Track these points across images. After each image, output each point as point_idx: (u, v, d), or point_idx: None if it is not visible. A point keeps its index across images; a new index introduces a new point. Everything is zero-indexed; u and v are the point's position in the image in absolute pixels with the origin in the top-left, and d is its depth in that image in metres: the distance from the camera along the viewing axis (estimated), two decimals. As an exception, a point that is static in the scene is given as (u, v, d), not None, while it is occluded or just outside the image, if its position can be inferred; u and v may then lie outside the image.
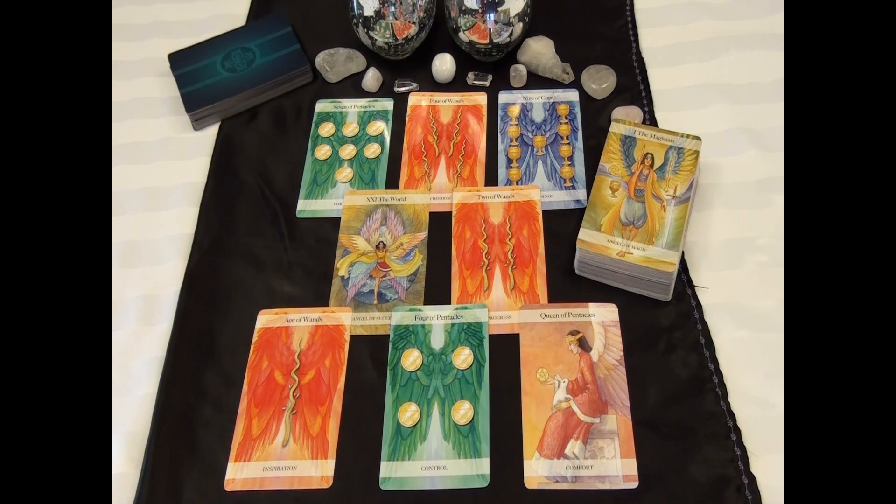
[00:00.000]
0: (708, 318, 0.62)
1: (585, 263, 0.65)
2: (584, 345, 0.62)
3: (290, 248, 0.69)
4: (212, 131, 0.79)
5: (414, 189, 0.73)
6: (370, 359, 0.62)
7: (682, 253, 0.65)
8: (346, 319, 0.65)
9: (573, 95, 0.78)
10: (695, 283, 0.64)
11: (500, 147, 0.76)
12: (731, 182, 0.70)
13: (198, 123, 0.79)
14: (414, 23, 0.78)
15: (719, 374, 0.59)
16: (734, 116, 0.75)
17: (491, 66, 0.81)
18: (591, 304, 0.64)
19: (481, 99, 0.79)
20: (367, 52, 0.83)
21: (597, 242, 0.63)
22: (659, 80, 0.79)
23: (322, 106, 0.80)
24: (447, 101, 0.79)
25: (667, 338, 0.62)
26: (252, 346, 0.64)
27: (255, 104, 0.80)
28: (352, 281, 0.67)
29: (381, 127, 0.78)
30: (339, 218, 0.71)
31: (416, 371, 0.61)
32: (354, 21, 0.79)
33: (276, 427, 0.59)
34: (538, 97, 0.79)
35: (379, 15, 0.78)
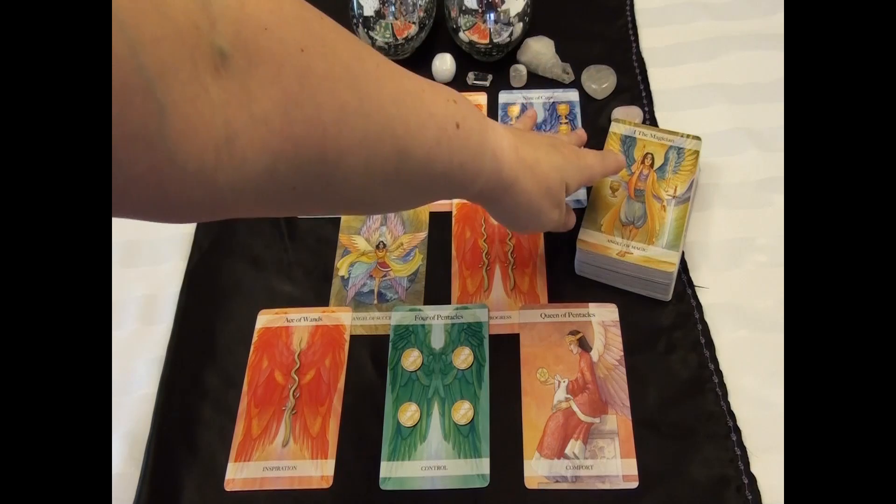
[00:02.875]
0: (708, 318, 0.62)
1: (585, 263, 0.65)
2: (584, 345, 0.62)
3: (290, 248, 0.69)
4: (212, 131, 0.79)
5: (414, 189, 0.73)
6: (370, 359, 0.63)
7: (683, 253, 0.65)
8: (346, 319, 0.65)
9: (573, 95, 0.78)
10: (695, 283, 0.64)
11: (500, 147, 0.75)
12: (731, 182, 0.70)
13: (198, 123, 0.79)
14: (414, 23, 0.78)
15: (719, 374, 0.59)
16: (734, 116, 0.75)
17: (491, 66, 0.81)
18: (591, 304, 0.64)
19: (481, 99, 0.79)
20: (367, 52, 0.83)
21: (597, 242, 0.63)
22: (659, 80, 0.79)
23: (322, 106, 0.80)
24: (447, 101, 0.79)
25: (667, 338, 0.62)
26: (252, 346, 0.64)
27: (255, 104, 0.80)
28: (352, 281, 0.67)
29: (381, 127, 0.78)
30: (340, 218, 0.71)
31: (416, 371, 0.61)
32: (354, 21, 0.79)
33: (276, 427, 0.59)
34: (538, 97, 0.79)
35: (379, 15, 0.78)
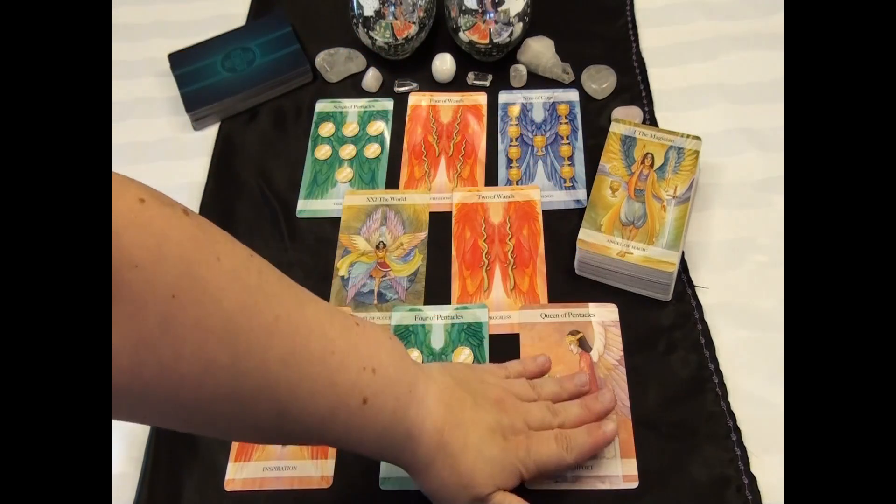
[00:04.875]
0: (708, 318, 0.62)
1: (585, 263, 0.65)
2: (584, 345, 0.62)
3: (290, 248, 0.69)
4: (212, 131, 0.79)
5: (414, 189, 0.73)
6: (370, 359, 0.62)
7: (683, 253, 0.65)
8: (346, 319, 0.65)
9: (573, 95, 0.78)
10: (695, 283, 0.64)
11: (500, 147, 0.76)
12: (731, 182, 0.70)
13: (198, 123, 0.79)
14: (414, 23, 0.79)
15: (719, 374, 0.59)
16: (734, 116, 0.75)
17: (491, 66, 0.81)
18: (591, 304, 0.64)
19: (481, 99, 0.79)
20: (367, 52, 0.83)
21: (597, 242, 0.63)
22: (659, 80, 0.79)
23: (322, 106, 0.80)
24: (447, 101, 0.79)
25: (667, 338, 0.62)
26: (252, 346, 0.63)
27: (255, 104, 0.80)
28: (352, 281, 0.67)
29: (381, 127, 0.78)
30: (339, 218, 0.71)
31: (416, 371, 0.61)
32: (354, 21, 0.79)
33: (276, 427, 0.59)
34: (538, 97, 0.79)
35: (379, 15, 0.78)
